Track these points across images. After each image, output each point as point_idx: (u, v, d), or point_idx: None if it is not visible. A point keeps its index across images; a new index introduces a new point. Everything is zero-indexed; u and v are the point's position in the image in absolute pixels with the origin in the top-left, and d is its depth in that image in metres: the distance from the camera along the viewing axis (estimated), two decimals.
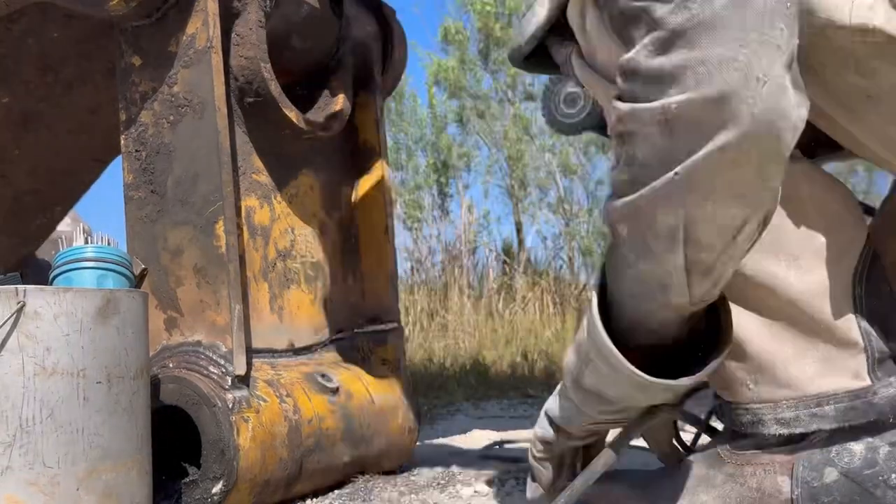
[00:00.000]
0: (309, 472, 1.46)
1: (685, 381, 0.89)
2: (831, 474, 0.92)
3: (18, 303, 1.02)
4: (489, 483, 1.48)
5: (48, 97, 1.82)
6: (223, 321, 1.37)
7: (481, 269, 7.31)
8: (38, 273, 1.93)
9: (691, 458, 1.05)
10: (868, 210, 1.06)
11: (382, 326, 1.79)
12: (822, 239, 0.94)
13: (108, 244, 1.33)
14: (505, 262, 7.30)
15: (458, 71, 7.83)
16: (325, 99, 1.73)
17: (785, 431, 0.94)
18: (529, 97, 8.04)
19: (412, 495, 1.46)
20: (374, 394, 1.66)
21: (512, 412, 2.78)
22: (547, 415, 1.08)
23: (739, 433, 1.00)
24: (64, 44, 1.71)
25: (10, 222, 2.05)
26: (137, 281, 1.42)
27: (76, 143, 1.94)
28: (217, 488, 1.28)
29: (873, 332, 0.93)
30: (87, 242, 1.32)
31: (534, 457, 1.12)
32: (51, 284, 1.26)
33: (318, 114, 1.70)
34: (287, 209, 1.65)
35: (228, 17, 1.49)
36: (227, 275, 1.38)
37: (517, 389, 3.25)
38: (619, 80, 0.76)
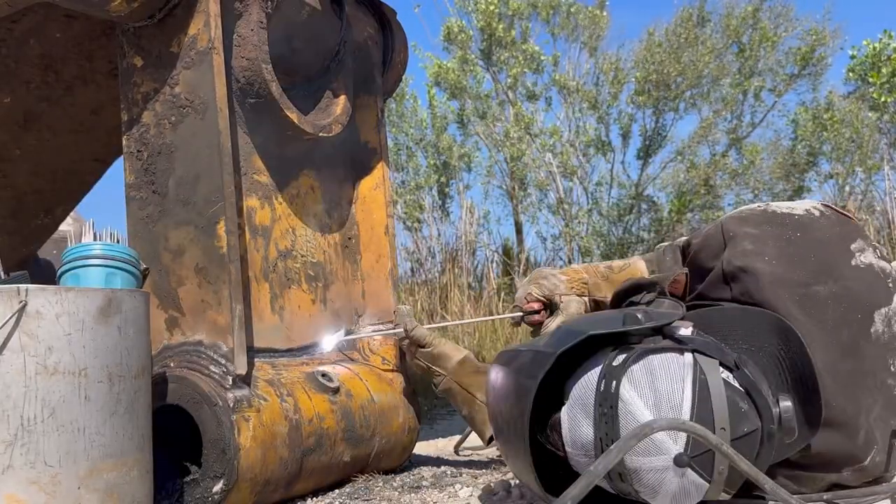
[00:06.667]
0: (309, 471, 1.47)
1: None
2: None
3: (20, 302, 1.02)
4: (488, 482, 1.48)
5: (49, 97, 1.83)
6: (224, 321, 1.37)
7: (481, 269, 7.32)
8: (40, 272, 1.93)
9: None
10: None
11: (382, 326, 1.79)
12: None
13: (117, 241, 1.31)
14: (505, 262, 7.30)
15: (458, 72, 7.84)
16: (327, 100, 1.73)
17: None
18: (531, 97, 8.05)
19: (412, 494, 1.46)
20: (374, 393, 1.66)
21: None
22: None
23: None
24: (65, 44, 1.71)
25: (12, 222, 2.05)
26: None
27: (77, 143, 1.94)
28: (218, 487, 1.28)
29: None
30: (95, 239, 1.30)
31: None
32: (58, 281, 1.26)
33: (319, 115, 1.71)
34: (288, 209, 1.66)
35: (230, 18, 1.50)
36: (228, 275, 1.38)
37: None
38: None
